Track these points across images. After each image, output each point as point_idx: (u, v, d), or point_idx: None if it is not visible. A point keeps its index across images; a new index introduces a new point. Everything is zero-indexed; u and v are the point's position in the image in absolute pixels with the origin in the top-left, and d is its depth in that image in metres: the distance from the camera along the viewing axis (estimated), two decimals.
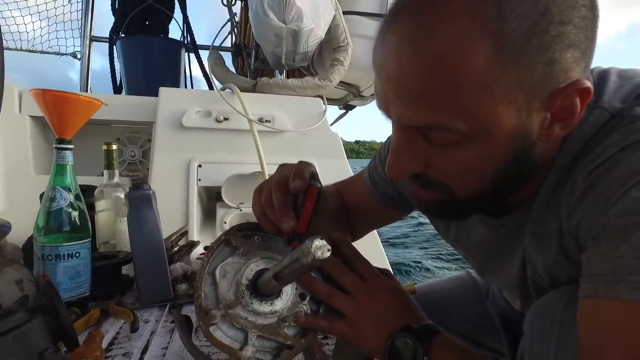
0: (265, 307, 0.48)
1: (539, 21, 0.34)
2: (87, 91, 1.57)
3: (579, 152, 0.41)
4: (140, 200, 0.72)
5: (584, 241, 0.39)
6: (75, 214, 0.70)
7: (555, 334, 0.41)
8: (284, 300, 0.50)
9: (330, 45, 1.34)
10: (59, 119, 0.69)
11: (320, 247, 0.36)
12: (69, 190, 0.70)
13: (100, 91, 1.86)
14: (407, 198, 0.68)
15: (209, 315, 0.47)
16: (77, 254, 0.69)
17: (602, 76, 0.44)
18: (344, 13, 1.35)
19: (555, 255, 0.43)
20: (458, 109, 0.36)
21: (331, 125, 1.35)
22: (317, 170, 1.26)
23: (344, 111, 1.81)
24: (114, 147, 0.89)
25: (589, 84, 0.37)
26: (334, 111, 1.80)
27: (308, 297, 0.52)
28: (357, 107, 1.77)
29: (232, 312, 0.47)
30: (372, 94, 1.59)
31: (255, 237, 0.53)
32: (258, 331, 0.48)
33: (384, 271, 0.58)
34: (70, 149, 0.70)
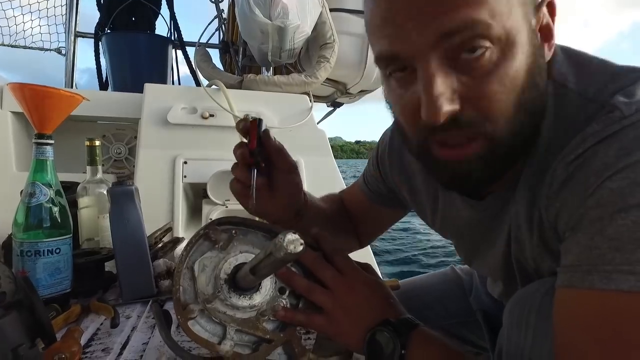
0: (244, 302, 0.48)
1: None
2: (71, 87, 1.55)
3: (556, 133, 0.41)
4: (122, 195, 0.72)
5: (562, 232, 0.39)
6: (55, 209, 0.69)
7: (532, 323, 0.41)
8: (263, 295, 0.50)
9: (317, 42, 1.34)
10: (39, 114, 0.68)
11: (293, 241, 0.36)
12: (49, 185, 0.69)
13: (87, 88, 1.84)
14: (398, 194, 0.69)
15: (187, 309, 0.46)
16: (58, 250, 0.68)
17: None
18: (331, 10, 1.35)
19: (537, 244, 0.44)
20: (484, 3, 0.35)
21: (319, 122, 1.35)
22: (304, 167, 1.26)
23: (331, 108, 1.82)
24: (97, 142, 0.89)
25: None
26: (321, 108, 1.80)
27: (287, 292, 0.52)
28: (357, 107, 1.78)
29: (210, 307, 0.47)
30: (360, 91, 1.60)
31: (234, 232, 0.53)
32: (237, 325, 0.48)
33: (364, 265, 0.58)
34: (50, 144, 0.70)
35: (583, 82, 0.42)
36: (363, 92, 1.61)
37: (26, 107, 0.68)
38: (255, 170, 0.54)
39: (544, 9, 0.41)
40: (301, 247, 0.36)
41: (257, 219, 0.63)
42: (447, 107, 0.37)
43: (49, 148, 0.69)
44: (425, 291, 0.89)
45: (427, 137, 0.42)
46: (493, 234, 0.52)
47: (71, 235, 0.71)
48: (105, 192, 0.90)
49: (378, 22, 0.39)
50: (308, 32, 1.26)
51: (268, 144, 0.56)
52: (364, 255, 1.14)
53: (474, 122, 0.39)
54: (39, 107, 0.68)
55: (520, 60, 0.38)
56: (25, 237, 0.66)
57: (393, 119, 0.50)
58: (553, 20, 0.42)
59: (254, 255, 0.51)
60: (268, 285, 0.51)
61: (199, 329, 0.47)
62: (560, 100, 0.42)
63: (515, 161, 0.43)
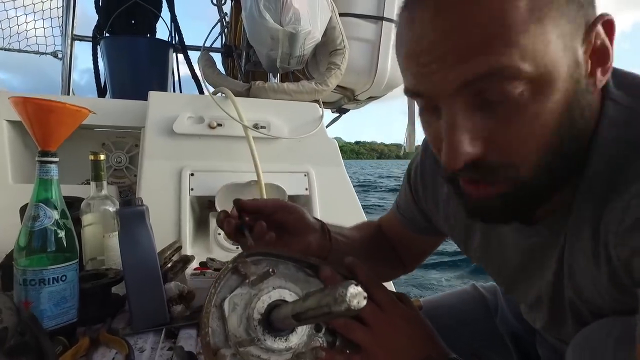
0: (279, 344, 0.44)
1: None
2: (68, 94, 1.49)
3: (616, 150, 0.38)
4: (132, 217, 0.67)
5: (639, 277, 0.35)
6: (61, 233, 0.64)
7: None
8: (299, 335, 0.45)
9: (327, 47, 1.29)
10: (43, 129, 0.63)
11: (356, 295, 0.32)
12: (54, 207, 0.64)
13: (87, 90, 1.77)
14: (431, 222, 0.66)
15: (218, 354, 0.42)
16: (64, 278, 0.63)
17: None
18: (340, 15, 1.31)
19: (607, 280, 0.40)
20: (516, 45, 0.33)
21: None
22: (314, 178, 1.22)
23: (337, 115, 1.78)
24: (102, 157, 0.83)
25: (611, 16, 0.37)
26: (326, 114, 1.76)
27: (323, 329, 0.48)
28: (356, 108, 1.74)
29: (243, 350, 0.43)
30: (368, 98, 1.56)
31: (265, 264, 0.49)
32: None
33: (399, 295, 0.54)
34: (55, 162, 0.65)
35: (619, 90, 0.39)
36: (371, 99, 1.57)
37: (28, 122, 0.63)
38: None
39: (599, 28, 0.37)
40: (365, 302, 0.32)
41: None
42: (468, 152, 0.36)
43: (53, 166, 0.64)
44: (449, 312, 0.85)
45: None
46: (541, 262, 0.49)
47: (77, 260, 0.66)
48: (110, 208, 0.85)
49: (404, 57, 0.39)
50: (318, 38, 1.22)
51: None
52: None
53: (496, 167, 0.38)
54: (42, 122, 0.63)
55: (556, 99, 0.36)
56: (28, 265, 0.61)
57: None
58: (611, 40, 0.38)
59: (287, 290, 0.47)
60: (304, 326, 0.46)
61: None
62: (617, 121, 0.39)
63: (547, 199, 0.41)
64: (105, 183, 0.84)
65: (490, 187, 0.39)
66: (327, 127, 1.82)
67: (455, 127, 0.36)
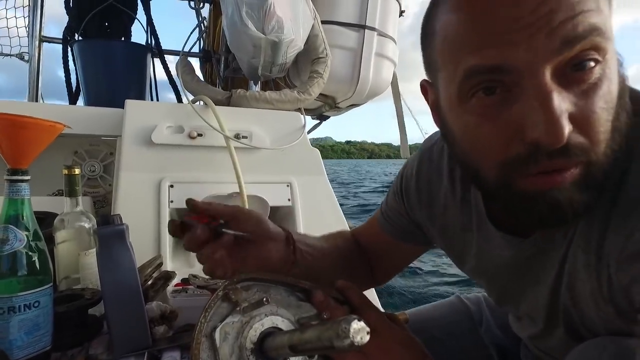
0: None
1: None
2: (36, 100, 1.41)
3: (622, 190, 0.38)
4: (112, 237, 0.64)
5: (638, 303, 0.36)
6: (33, 255, 0.60)
7: None
8: None
9: (309, 55, 1.28)
10: (13, 146, 0.59)
11: (360, 331, 0.31)
12: (25, 228, 0.60)
13: (48, 95, 1.68)
14: (422, 230, 0.66)
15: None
16: (37, 304, 0.59)
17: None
18: (323, 22, 1.31)
19: (606, 300, 0.41)
20: (603, 13, 0.34)
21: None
22: (297, 188, 1.21)
23: (317, 121, 1.77)
24: (77, 171, 0.79)
25: None
26: (307, 120, 1.75)
27: (316, 357, 0.47)
28: (337, 115, 1.73)
29: None
30: (349, 105, 1.56)
31: (256, 289, 0.48)
32: None
33: (390, 316, 0.54)
34: (26, 180, 0.61)
35: None
36: (352, 106, 1.57)
37: None
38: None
39: None
40: (368, 337, 0.31)
41: None
42: (568, 123, 0.34)
43: (24, 185, 0.60)
44: (434, 324, 0.86)
45: (516, 169, 0.37)
46: (537, 272, 0.49)
47: (52, 283, 0.62)
48: (86, 225, 0.81)
49: (471, 33, 0.36)
50: (301, 46, 1.21)
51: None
52: None
53: (581, 148, 0.35)
54: (12, 139, 0.59)
55: (615, 79, 0.36)
56: None
57: (451, 151, 0.46)
58: None
59: (279, 317, 0.46)
60: None
61: None
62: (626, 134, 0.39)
63: (604, 191, 0.39)
64: (80, 199, 0.80)
65: (564, 173, 0.36)
66: (308, 133, 1.81)
67: (553, 97, 0.33)
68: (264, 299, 0.45)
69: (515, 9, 0.34)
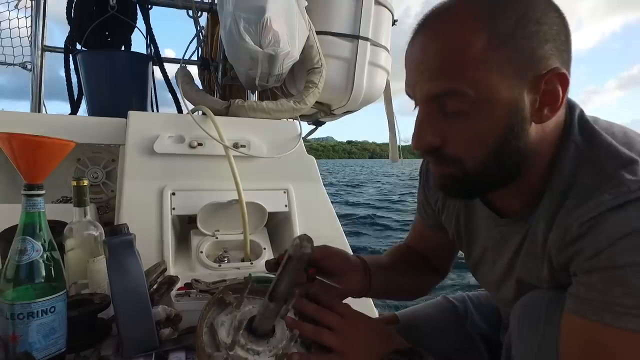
0: (262, 346, 0.54)
1: (520, 20, 0.48)
2: (39, 110, 1.45)
3: (569, 184, 0.51)
4: (121, 247, 0.68)
5: (574, 271, 0.49)
6: (49, 265, 0.65)
7: (540, 327, 0.52)
8: (279, 339, 0.56)
9: (304, 65, 1.33)
10: (29, 164, 0.64)
11: (304, 239, 0.45)
12: (41, 239, 0.65)
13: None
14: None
15: (211, 357, 0.51)
16: (52, 309, 0.64)
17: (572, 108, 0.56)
18: (318, 33, 1.35)
19: (547, 267, 0.55)
20: (465, 77, 0.48)
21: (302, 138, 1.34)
22: (293, 194, 1.26)
23: (313, 126, 1.82)
24: (85, 182, 0.84)
25: (565, 71, 0.49)
26: (303, 125, 1.79)
27: (299, 341, 0.58)
28: (332, 120, 1.78)
29: (232, 354, 0.52)
30: (344, 112, 1.61)
31: (246, 293, 0.59)
32: None
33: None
34: (41, 194, 0.65)
35: (593, 152, 0.51)
36: (347, 112, 1.62)
37: (14, 158, 0.64)
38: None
39: (552, 78, 0.49)
40: (309, 245, 0.46)
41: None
42: (429, 141, 0.53)
43: (40, 199, 0.65)
44: (423, 322, 0.92)
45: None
46: (504, 246, 0.63)
47: (66, 289, 0.67)
48: (94, 233, 0.86)
49: (405, 68, 0.55)
50: (296, 57, 1.25)
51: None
52: None
53: (448, 157, 0.53)
54: (29, 158, 0.64)
55: (494, 120, 0.50)
56: (16, 298, 0.62)
57: None
58: (563, 88, 0.49)
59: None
60: (280, 331, 0.57)
61: None
62: (575, 160, 0.51)
63: (488, 189, 0.58)
64: (89, 209, 0.85)
65: (446, 169, 0.55)
66: (307, 136, 1.86)
67: (422, 122, 0.53)
68: (246, 293, 0.57)
69: (410, 63, 0.54)
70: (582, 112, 0.55)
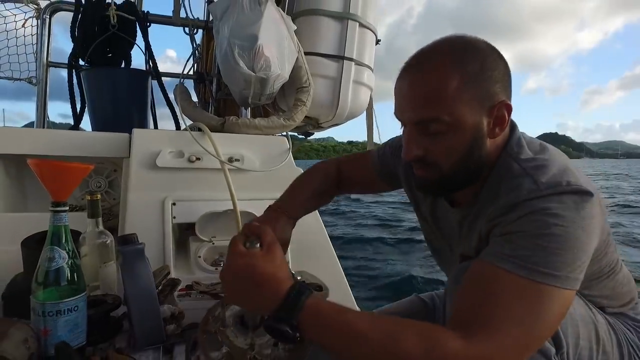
0: (244, 332, 0.72)
1: (481, 67, 0.66)
2: (44, 126, 1.53)
3: (499, 184, 0.69)
4: (134, 254, 0.80)
5: (491, 237, 0.66)
6: (73, 270, 0.76)
7: (450, 290, 0.73)
8: (259, 333, 0.71)
9: (294, 84, 1.45)
10: (56, 185, 0.75)
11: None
12: (66, 248, 0.76)
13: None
14: (397, 177, 0.96)
15: (208, 324, 0.72)
16: (76, 308, 0.75)
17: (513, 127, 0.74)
18: (305, 54, 1.47)
19: (476, 245, 0.73)
20: (443, 108, 0.66)
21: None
22: None
23: (303, 137, 1.93)
24: (98, 196, 0.95)
25: (509, 102, 0.69)
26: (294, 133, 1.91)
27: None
28: (320, 132, 1.91)
29: (222, 330, 0.71)
30: (331, 125, 1.73)
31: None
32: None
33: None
34: (66, 210, 0.77)
35: (520, 158, 0.70)
36: (334, 125, 1.74)
37: (43, 180, 0.75)
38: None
39: (501, 106, 0.68)
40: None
41: None
42: (415, 153, 0.70)
43: (64, 215, 0.76)
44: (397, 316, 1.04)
45: (410, 165, 0.77)
46: (455, 231, 0.82)
47: (85, 291, 0.78)
48: (107, 241, 0.97)
49: (395, 99, 0.72)
50: (286, 78, 1.37)
51: None
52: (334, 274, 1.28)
53: (429, 164, 0.71)
54: (56, 180, 0.75)
55: (463, 137, 0.68)
56: (46, 298, 0.73)
57: None
58: (508, 113, 0.69)
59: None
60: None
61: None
62: (507, 165, 0.69)
63: (458, 189, 0.75)
64: (101, 220, 0.96)
65: (427, 173, 0.72)
66: (304, 139, 1.98)
67: (410, 140, 0.70)
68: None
69: (399, 94, 0.71)
70: (517, 130, 0.74)
